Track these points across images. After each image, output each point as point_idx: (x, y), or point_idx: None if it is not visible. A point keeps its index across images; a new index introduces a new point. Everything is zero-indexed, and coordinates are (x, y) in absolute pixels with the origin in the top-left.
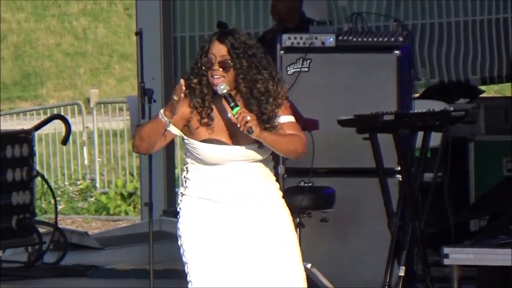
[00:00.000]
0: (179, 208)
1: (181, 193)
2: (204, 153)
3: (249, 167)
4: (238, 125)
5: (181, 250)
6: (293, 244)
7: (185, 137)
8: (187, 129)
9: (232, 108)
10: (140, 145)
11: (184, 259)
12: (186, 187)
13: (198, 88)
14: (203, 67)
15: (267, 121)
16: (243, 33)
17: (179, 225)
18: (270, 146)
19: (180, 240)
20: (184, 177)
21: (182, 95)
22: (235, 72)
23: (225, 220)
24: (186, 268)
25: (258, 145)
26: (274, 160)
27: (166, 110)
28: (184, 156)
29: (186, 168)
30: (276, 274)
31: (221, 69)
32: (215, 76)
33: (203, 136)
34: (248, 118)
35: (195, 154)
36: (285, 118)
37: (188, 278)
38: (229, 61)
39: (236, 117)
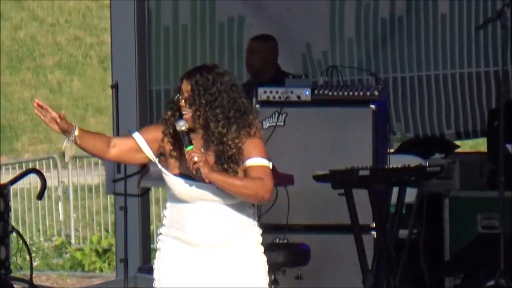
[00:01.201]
0: (157, 248)
1: (159, 231)
2: (172, 186)
3: (218, 208)
4: (188, 165)
5: None
6: None
7: (160, 165)
8: (163, 158)
9: (186, 147)
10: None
11: None
12: (163, 225)
13: (171, 121)
14: (175, 105)
15: (226, 162)
16: (220, 70)
17: (154, 266)
18: (224, 188)
19: (154, 284)
20: (163, 214)
21: (49, 115)
22: (194, 109)
23: (194, 262)
24: None
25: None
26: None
27: None
28: (166, 194)
29: (165, 205)
30: None
31: (186, 106)
32: (183, 112)
33: (176, 169)
34: (196, 158)
35: (168, 188)
36: (254, 161)
37: None
38: (191, 98)
39: (187, 156)
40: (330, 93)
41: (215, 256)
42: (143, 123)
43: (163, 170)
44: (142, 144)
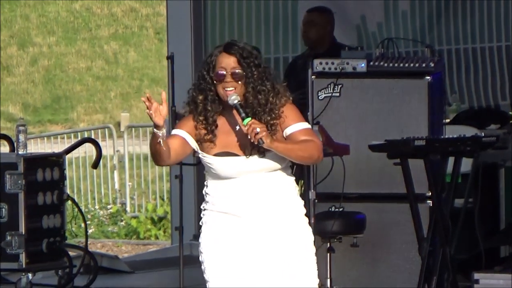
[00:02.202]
0: (201, 223)
1: (202, 207)
2: (216, 166)
3: (264, 178)
4: (249, 136)
5: (202, 267)
6: (308, 263)
7: (199, 151)
8: (200, 143)
9: (243, 119)
10: (158, 161)
11: (205, 275)
12: (207, 201)
13: (202, 105)
14: (215, 81)
15: (271, 131)
16: (246, 43)
17: (200, 240)
18: (283, 154)
19: (201, 257)
20: (205, 192)
21: (153, 105)
22: (245, 82)
23: (243, 234)
24: (207, 285)
25: (271, 154)
26: (302, 179)
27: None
28: (204, 172)
29: (206, 184)
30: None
31: (233, 80)
32: (227, 89)
33: (214, 150)
34: (258, 129)
35: (210, 169)
36: (298, 126)
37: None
38: (241, 71)
39: (246, 128)
40: (385, 65)
41: (261, 227)
42: None
43: (204, 154)
44: (188, 138)
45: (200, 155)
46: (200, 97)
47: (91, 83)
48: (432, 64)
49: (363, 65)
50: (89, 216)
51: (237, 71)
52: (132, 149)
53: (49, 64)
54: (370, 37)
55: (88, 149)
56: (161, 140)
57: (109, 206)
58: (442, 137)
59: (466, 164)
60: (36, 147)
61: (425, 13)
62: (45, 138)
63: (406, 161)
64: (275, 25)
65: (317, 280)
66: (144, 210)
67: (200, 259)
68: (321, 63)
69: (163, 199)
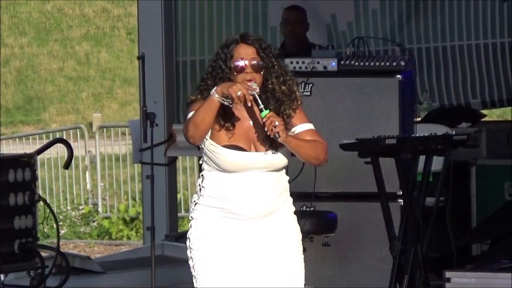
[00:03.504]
0: (191, 217)
1: (194, 201)
2: (223, 158)
3: (267, 177)
4: (266, 129)
5: (191, 262)
6: (298, 264)
7: (208, 139)
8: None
9: (261, 111)
10: (195, 133)
11: (193, 271)
12: (201, 195)
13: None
14: (234, 71)
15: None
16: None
17: (189, 235)
18: (294, 150)
19: (190, 252)
20: (199, 185)
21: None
22: (266, 72)
23: (236, 233)
24: (194, 281)
25: (276, 151)
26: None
27: (218, 88)
28: (200, 163)
29: (202, 175)
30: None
31: (253, 71)
32: (247, 79)
33: (223, 141)
34: (277, 123)
35: (214, 159)
36: (305, 126)
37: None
38: (261, 62)
39: (264, 120)
40: (356, 64)
41: (256, 227)
42: (169, 94)
43: (213, 143)
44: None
45: (207, 143)
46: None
47: (63, 83)
48: (403, 63)
49: (334, 64)
50: (61, 217)
51: (256, 61)
52: (104, 150)
53: (21, 65)
54: (340, 36)
55: (60, 150)
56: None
57: (81, 207)
58: (413, 135)
59: (437, 163)
60: (8, 148)
61: (395, 12)
62: (17, 139)
63: (377, 160)
64: (245, 25)
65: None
66: (116, 211)
67: (188, 254)
68: (291, 62)
69: (135, 200)
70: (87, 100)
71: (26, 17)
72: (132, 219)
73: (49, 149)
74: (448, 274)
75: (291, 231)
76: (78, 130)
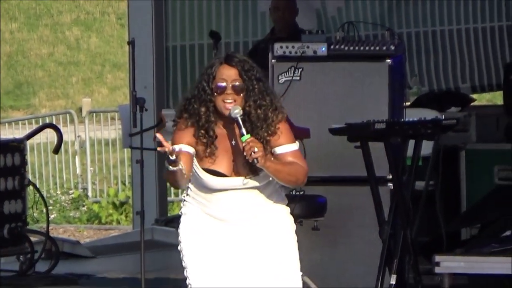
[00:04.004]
0: (181, 212)
1: (183, 196)
2: (203, 181)
3: (247, 194)
4: (244, 153)
5: (181, 254)
6: (292, 261)
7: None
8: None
9: (242, 135)
10: (177, 187)
11: (183, 263)
12: (188, 194)
13: (205, 117)
14: (215, 93)
15: (264, 147)
16: (246, 57)
17: (179, 230)
18: (272, 175)
19: (180, 246)
20: (188, 185)
21: (174, 148)
22: (246, 95)
23: (223, 233)
24: (185, 272)
25: (256, 174)
26: None
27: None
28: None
29: (191, 180)
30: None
31: (233, 93)
32: (227, 101)
33: (205, 164)
34: (256, 149)
35: (196, 175)
36: (289, 147)
37: (188, 281)
38: (242, 84)
39: (244, 145)
40: (346, 48)
41: (241, 229)
42: (159, 79)
43: (197, 165)
44: (192, 150)
45: (195, 165)
46: (203, 109)
47: (53, 69)
48: (392, 47)
49: (323, 48)
50: (50, 202)
51: (238, 83)
52: (94, 135)
53: (11, 50)
54: (330, 21)
55: (49, 135)
56: (183, 173)
57: (70, 192)
58: (402, 120)
59: (427, 147)
60: None
61: None
62: (7, 124)
63: (367, 144)
64: (235, 11)
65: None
66: (106, 195)
67: (179, 247)
68: (281, 47)
69: (124, 184)
70: (77, 85)
71: (16, 3)
72: (122, 204)
73: (39, 134)
74: (437, 258)
75: (282, 231)
76: (68, 115)
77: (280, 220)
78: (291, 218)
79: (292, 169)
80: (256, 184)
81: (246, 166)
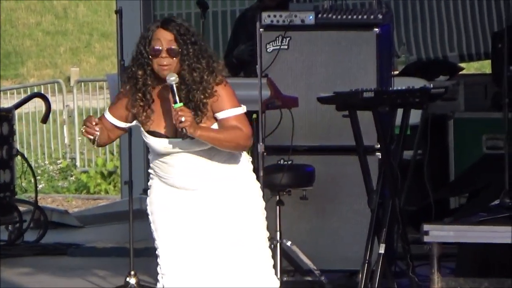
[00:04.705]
0: (149, 185)
1: (149, 171)
2: (149, 144)
3: (197, 158)
4: (174, 122)
5: (152, 227)
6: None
7: (139, 123)
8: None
9: (175, 102)
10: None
11: (154, 234)
12: (150, 167)
13: (142, 80)
14: (150, 55)
15: (194, 109)
16: (184, 20)
17: (147, 201)
18: (208, 143)
19: (149, 216)
20: (149, 157)
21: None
22: (180, 59)
23: (184, 202)
24: (155, 244)
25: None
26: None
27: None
28: None
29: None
30: (237, 257)
31: (168, 56)
32: (162, 63)
33: (148, 127)
34: (183, 119)
35: (146, 143)
36: (231, 112)
37: (157, 252)
38: (177, 48)
39: (174, 113)
40: (334, 17)
41: (201, 195)
42: None
43: (142, 128)
44: (118, 123)
45: (142, 131)
46: (140, 72)
47: (41, 38)
48: (380, 16)
49: (311, 17)
50: (39, 171)
51: (173, 47)
52: (82, 104)
53: None
54: None
55: (38, 104)
56: (97, 141)
57: (59, 161)
58: (390, 89)
59: (415, 116)
60: None
61: None
62: None
63: (355, 113)
64: None
65: (266, 234)
66: (94, 165)
67: (150, 219)
68: (269, 16)
69: (112, 154)
70: (65, 54)
71: None
72: (110, 173)
73: (27, 104)
74: (426, 227)
75: (243, 197)
76: (56, 84)
77: (240, 186)
78: (253, 184)
79: (230, 135)
80: (201, 146)
81: (183, 135)
